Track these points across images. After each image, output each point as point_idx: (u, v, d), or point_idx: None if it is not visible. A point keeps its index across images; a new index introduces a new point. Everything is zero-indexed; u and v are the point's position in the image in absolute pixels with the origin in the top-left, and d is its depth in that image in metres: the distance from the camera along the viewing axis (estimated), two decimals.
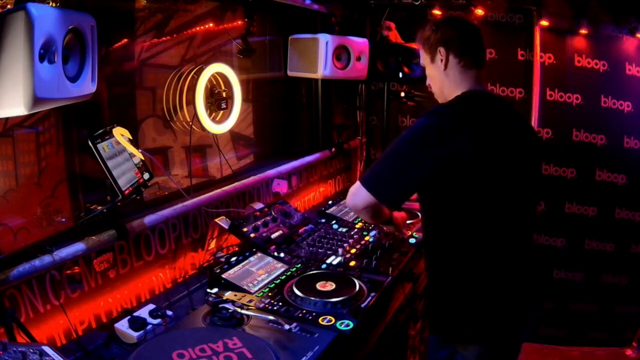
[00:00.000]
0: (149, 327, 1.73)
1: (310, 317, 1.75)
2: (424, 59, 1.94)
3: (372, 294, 1.94)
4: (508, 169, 1.75)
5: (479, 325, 1.79)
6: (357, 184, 1.76)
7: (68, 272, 1.79)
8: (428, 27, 1.91)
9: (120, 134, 1.87)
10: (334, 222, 2.77)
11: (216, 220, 2.41)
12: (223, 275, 1.99)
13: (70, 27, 1.41)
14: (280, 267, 2.16)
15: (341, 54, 3.11)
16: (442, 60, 1.85)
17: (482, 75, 1.87)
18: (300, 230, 2.60)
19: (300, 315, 1.77)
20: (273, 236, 2.41)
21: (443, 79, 1.88)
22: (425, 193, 1.82)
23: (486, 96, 1.87)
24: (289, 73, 3.14)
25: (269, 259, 2.22)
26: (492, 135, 1.73)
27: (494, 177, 1.72)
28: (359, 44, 3.20)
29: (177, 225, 2.31)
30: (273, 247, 2.35)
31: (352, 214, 2.92)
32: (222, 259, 2.27)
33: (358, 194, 1.75)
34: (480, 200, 1.71)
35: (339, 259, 2.26)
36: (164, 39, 2.81)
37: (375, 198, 1.71)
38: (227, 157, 2.93)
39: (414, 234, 2.57)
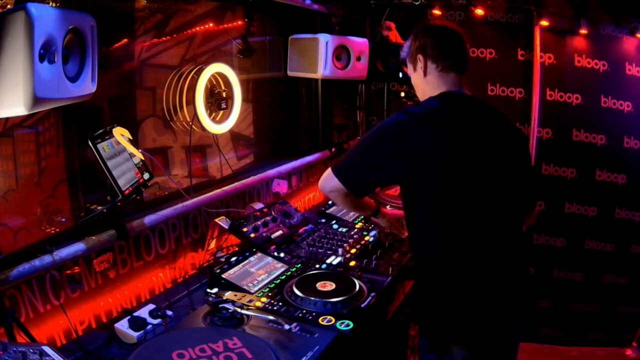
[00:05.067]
0: (149, 327, 1.73)
1: (310, 317, 1.75)
2: (409, 69, 1.98)
3: (372, 294, 1.94)
4: (481, 166, 1.75)
5: (464, 326, 1.76)
6: (329, 169, 1.88)
7: (68, 272, 1.79)
8: (408, 39, 1.96)
9: (120, 134, 1.87)
10: (334, 222, 2.77)
11: (216, 220, 2.41)
12: (223, 275, 1.99)
13: (70, 27, 1.41)
14: (280, 267, 2.16)
15: (341, 54, 3.11)
16: (421, 67, 1.89)
17: (464, 80, 1.88)
18: (300, 230, 2.60)
19: (300, 315, 1.77)
20: (273, 236, 2.41)
21: (424, 86, 1.91)
22: (403, 191, 1.88)
23: (459, 96, 1.86)
24: (289, 73, 3.14)
25: (269, 259, 2.22)
26: (460, 132, 1.75)
27: (465, 174, 1.72)
28: (359, 44, 3.20)
29: (177, 225, 2.31)
30: (273, 247, 2.35)
31: (352, 214, 2.92)
32: (222, 259, 2.27)
33: (328, 178, 1.88)
34: (454, 198, 1.72)
35: (339, 259, 2.26)
36: (164, 39, 2.81)
37: (342, 184, 1.83)
38: (227, 157, 2.93)
39: None
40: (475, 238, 1.75)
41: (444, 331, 1.79)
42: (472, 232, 1.74)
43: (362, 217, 2.89)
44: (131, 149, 1.90)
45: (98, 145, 1.75)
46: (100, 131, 1.80)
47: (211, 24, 2.99)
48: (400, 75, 3.50)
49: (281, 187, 3.07)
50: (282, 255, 2.28)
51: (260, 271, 2.10)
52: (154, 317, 1.77)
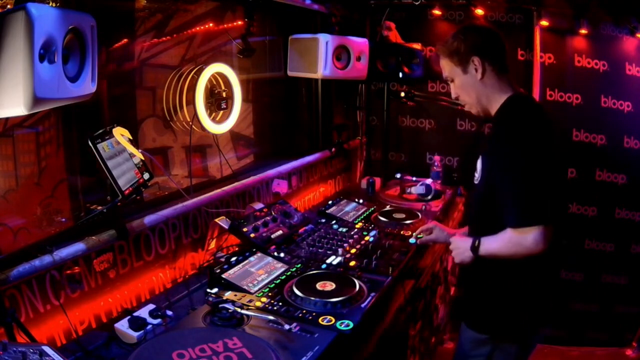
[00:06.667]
0: (149, 327, 1.72)
1: (310, 317, 1.75)
2: (452, 71, 1.90)
3: (372, 294, 1.94)
4: (557, 166, 1.84)
5: (525, 324, 1.87)
6: (512, 231, 1.70)
7: (68, 272, 1.79)
8: (453, 39, 1.89)
9: (120, 134, 1.87)
10: (334, 222, 2.77)
11: (216, 220, 2.41)
12: (223, 275, 1.99)
13: (70, 27, 1.41)
14: (280, 267, 2.16)
15: (341, 54, 3.11)
16: (476, 69, 1.84)
17: None
18: (300, 230, 2.60)
19: (300, 315, 1.77)
20: (273, 236, 2.40)
21: (480, 88, 1.87)
22: (493, 193, 1.79)
23: (532, 99, 1.91)
24: (289, 73, 3.14)
25: (269, 259, 2.22)
26: (552, 135, 1.83)
27: (555, 173, 1.80)
28: (359, 44, 3.20)
29: (177, 225, 2.31)
30: (273, 247, 2.35)
31: (352, 213, 2.92)
32: (222, 259, 2.27)
33: (522, 238, 1.68)
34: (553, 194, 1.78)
35: (339, 259, 2.26)
36: (164, 39, 2.81)
37: (542, 228, 1.65)
38: (227, 157, 2.93)
39: (417, 235, 2.57)
40: (555, 236, 1.78)
41: (510, 328, 1.88)
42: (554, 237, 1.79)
43: (362, 217, 2.90)
44: (131, 149, 1.90)
45: (98, 145, 1.75)
46: (100, 131, 1.80)
47: (211, 24, 2.99)
48: (400, 75, 3.50)
49: (281, 187, 3.07)
50: (282, 255, 2.28)
51: (260, 271, 2.10)
52: (154, 317, 1.77)
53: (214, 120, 2.58)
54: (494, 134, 1.84)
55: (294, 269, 2.15)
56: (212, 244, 2.44)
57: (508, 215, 1.72)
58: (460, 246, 1.96)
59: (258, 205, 2.68)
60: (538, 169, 1.70)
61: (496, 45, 1.88)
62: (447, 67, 1.93)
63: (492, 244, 1.82)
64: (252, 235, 2.34)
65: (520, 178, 1.69)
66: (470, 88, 1.89)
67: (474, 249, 1.86)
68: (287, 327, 1.63)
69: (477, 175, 1.91)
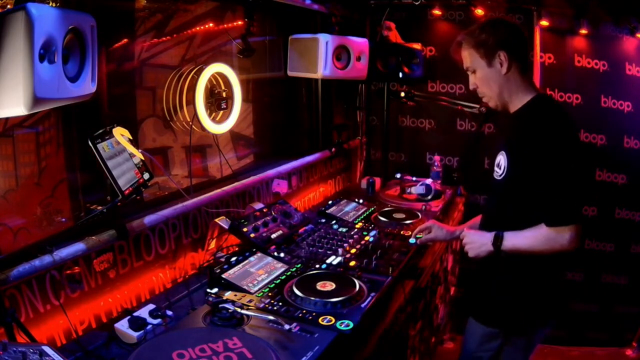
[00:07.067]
0: (149, 327, 1.72)
1: (310, 317, 1.75)
2: (476, 62, 1.89)
3: (372, 294, 1.94)
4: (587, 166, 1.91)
5: (538, 318, 1.92)
6: (549, 229, 1.74)
7: (68, 272, 1.79)
8: (480, 30, 1.87)
9: (120, 134, 1.87)
10: (334, 222, 2.77)
11: (216, 220, 2.41)
12: (223, 275, 1.99)
13: (70, 27, 1.41)
14: (280, 267, 2.16)
15: (341, 54, 3.11)
16: (502, 63, 1.83)
17: None
18: (300, 230, 2.60)
19: (300, 315, 1.77)
20: (273, 236, 2.40)
21: (503, 83, 1.86)
22: (526, 192, 1.81)
23: (553, 99, 1.93)
24: (289, 73, 3.14)
25: (269, 259, 2.22)
26: (576, 132, 1.89)
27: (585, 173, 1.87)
28: (359, 44, 3.20)
29: (177, 225, 2.31)
30: (273, 247, 2.35)
31: (352, 213, 2.92)
32: (222, 259, 2.27)
33: (558, 236, 1.73)
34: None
35: (339, 259, 2.26)
36: (164, 39, 2.81)
37: (576, 227, 1.72)
38: (227, 157, 2.93)
39: (416, 234, 2.57)
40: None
41: (523, 323, 1.92)
42: None
43: (362, 217, 2.90)
44: (131, 149, 1.90)
45: (98, 145, 1.75)
46: (100, 131, 1.80)
47: (211, 24, 2.99)
48: (400, 75, 3.50)
49: (281, 187, 3.07)
50: (282, 255, 2.28)
51: (260, 271, 2.10)
52: (154, 317, 1.77)
53: (214, 120, 2.58)
54: (524, 132, 1.82)
55: (294, 269, 2.15)
56: (212, 244, 2.44)
57: (546, 213, 1.75)
58: (477, 240, 1.95)
59: (258, 205, 2.68)
60: (576, 169, 1.75)
61: (523, 43, 1.88)
62: (470, 57, 1.91)
63: (519, 240, 1.83)
64: (252, 235, 2.34)
65: (560, 178, 1.73)
66: (492, 82, 1.88)
67: (496, 243, 1.86)
68: (287, 327, 1.63)
69: (500, 170, 1.90)
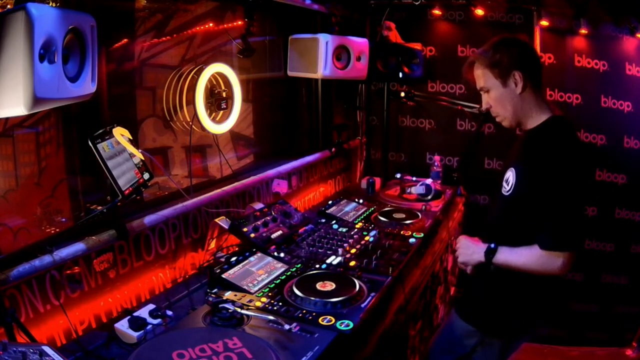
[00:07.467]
0: (149, 327, 1.72)
1: (310, 317, 1.75)
2: (490, 82, 1.88)
3: (372, 294, 1.94)
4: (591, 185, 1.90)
5: (516, 324, 1.92)
6: (544, 252, 1.74)
7: (68, 272, 1.79)
8: (494, 50, 1.86)
9: (120, 134, 1.87)
10: (334, 222, 2.77)
11: (216, 220, 2.41)
12: (223, 275, 1.99)
13: (70, 27, 1.41)
14: (280, 267, 2.16)
15: (341, 54, 3.11)
16: (516, 83, 1.82)
17: None
18: (300, 230, 2.60)
19: (300, 315, 1.77)
20: (273, 236, 2.40)
21: (518, 103, 1.85)
22: (530, 210, 1.81)
23: (568, 121, 1.89)
24: (289, 73, 3.14)
25: (269, 259, 2.22)
26: (588, 158, 1.93)
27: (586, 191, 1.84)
28: (359, 44, 3.20)
29: (177, 225, 2.31)
30: (273, 247, 2.35)
31: (352, 213, 2.92)
32: (222, 259, 2.27)
33: (550, 260, 1.73)
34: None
35: (339, 259, 2.26)
36: (164, 39, 2.81)
37: (570, 255, 1.72)
38: (227, 157, 2.93)
39: (414, 234, 2.57)
40: None
41: (496, 325, 1.94)
42: None
43: (362, 217, 2.90)
44: (131, 149, 1.90)
45: (98, 145, 1.75)
46: (100, 131, 1.80)
47: (211, 24, 2.99)
48: (400, 75, 3.50)
49: (281, 187, 3.07)
50: (282, 255, 2.28)
51: (260, 271, 2.10)
52: (154, 317, 1.77)
53: (214, 120, 2.58)
54: (536, 153, 1.80)
55: (294, 269, 2.15)
56: (212, 244, 2.44)
57: (544, 237, 1.74)
58: (470, 247, 1.97)
59: (258, 205, 2.68)
60: (580, 197, 1.74)
61: (537, 62, 1.88)
62: (483, 77, 1.90)
63: (512, 256, 1.84)
64: (252, 235, 2.34)
65: (565, 204, 1.73)
66: (507, 102, 1.86)
67: (489, 254, 1.87)
68: (287, 327, 1.63)
69: (508, 187, 1.89)
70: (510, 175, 1.89)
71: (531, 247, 1.77)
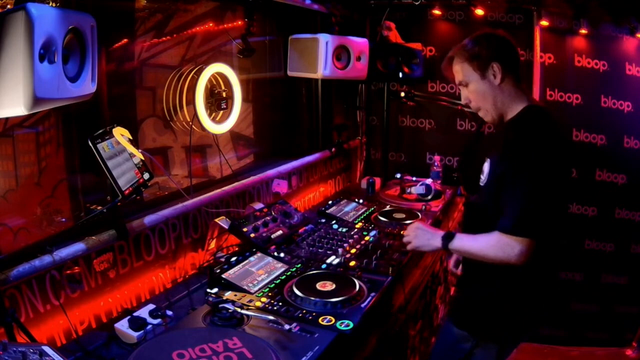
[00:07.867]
0: (149, 327, 1.73)
1: (310, 317, 1.75)
2: (469, 75, 1.89)
3: (372, 294, 1.94)
4: (567, 176, 1.88)
5: (510, 327, 1.87)
6: (501, 235, 1.68)
7: (68, 272, 1.79)
8: (473, 44, 1.88)
9: (120, 134, 1.87)
10: (334, 222, 2.77)
11: (216, 220, 2.41)
12: (223, 275, 1.99)
13: (70, 27, 1.41)
14: (280, 267, 2.16)
15: (341, 54, 3.11)
16: (495, 75, 1.84)
17: None
18: (300, 230, 2.60)
19: (300, 315, 1.77)
20: (273, 236, 2.40)
21: (497, 94, 1.86)
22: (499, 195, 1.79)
23: (549, 112, 1.88)
24: (289, 73, 3.14)
25: (269, 259, 2.22)
26: (564, 147, 1.88)
27: (563, 185, 1.82)
28: (359, 44, 3.20)
29: (177, 225, 2.31)
30: (273, 247, 2.35)
31: (352, 213, 2.92)
32: (222, 259, 2.27)
33: (507, 247, 1.67)
34: (554, 210, 1.78)
35: (339, 259, 2.26)
36: (164, 39, 2.81)
37: (529, 242, 1.66)
38: (227, 157, 2.93)
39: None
40: (556, 243, 1.86)
41: (491, 329, 1.89)
42: (553, 244, 1.84)
43: (362, 217, 2.90)
44: (131, 149, 1.90)
45: (98, 145, 1.75)
46: (100, 131, 1.80)
47: (211, 24, 2.99)
48: (400, 75, 3.50)
49: (281, 187, 3.07)
50: (282, 255, 2.28)
51: (260, 271, 2.10)
52: (154, 317, 1.77)
53: (214, 120, 2.58)
54: (509, 142, 1.80)
55: (294, 269, 2.15)
56: (212, 244, 2.44)
57: (504, 220, 1.71)
58: (427, 231, 1.97)
59: (258, 205, 2.68)
60: (547, 184, 1.71)
61: (515, 55, 1.89)
62: (462, 71, 1.91)
63: (470, 242, 1.83)
64: (252, 235, 2.34)
65: (529, 188, 1.69)
66: (486, 93, 1.87)
67: (446, 239, 1.87)
68: (287, 327, 1.63)
69: (484, 177, 1.90)
70: (485, 166, 1.90)
71: (490, 233, 1.73)
